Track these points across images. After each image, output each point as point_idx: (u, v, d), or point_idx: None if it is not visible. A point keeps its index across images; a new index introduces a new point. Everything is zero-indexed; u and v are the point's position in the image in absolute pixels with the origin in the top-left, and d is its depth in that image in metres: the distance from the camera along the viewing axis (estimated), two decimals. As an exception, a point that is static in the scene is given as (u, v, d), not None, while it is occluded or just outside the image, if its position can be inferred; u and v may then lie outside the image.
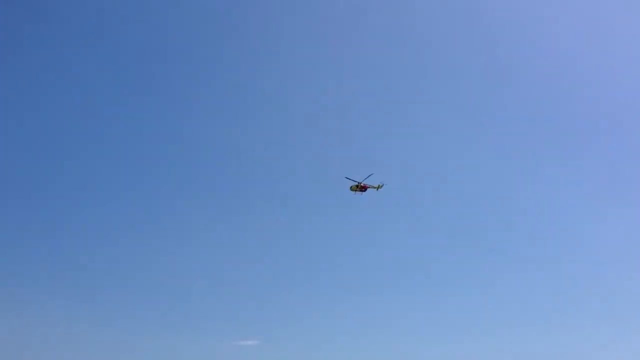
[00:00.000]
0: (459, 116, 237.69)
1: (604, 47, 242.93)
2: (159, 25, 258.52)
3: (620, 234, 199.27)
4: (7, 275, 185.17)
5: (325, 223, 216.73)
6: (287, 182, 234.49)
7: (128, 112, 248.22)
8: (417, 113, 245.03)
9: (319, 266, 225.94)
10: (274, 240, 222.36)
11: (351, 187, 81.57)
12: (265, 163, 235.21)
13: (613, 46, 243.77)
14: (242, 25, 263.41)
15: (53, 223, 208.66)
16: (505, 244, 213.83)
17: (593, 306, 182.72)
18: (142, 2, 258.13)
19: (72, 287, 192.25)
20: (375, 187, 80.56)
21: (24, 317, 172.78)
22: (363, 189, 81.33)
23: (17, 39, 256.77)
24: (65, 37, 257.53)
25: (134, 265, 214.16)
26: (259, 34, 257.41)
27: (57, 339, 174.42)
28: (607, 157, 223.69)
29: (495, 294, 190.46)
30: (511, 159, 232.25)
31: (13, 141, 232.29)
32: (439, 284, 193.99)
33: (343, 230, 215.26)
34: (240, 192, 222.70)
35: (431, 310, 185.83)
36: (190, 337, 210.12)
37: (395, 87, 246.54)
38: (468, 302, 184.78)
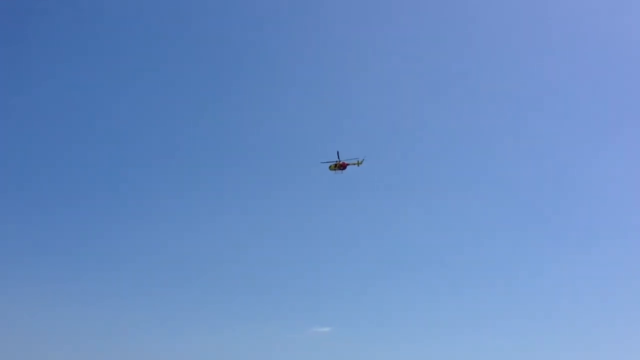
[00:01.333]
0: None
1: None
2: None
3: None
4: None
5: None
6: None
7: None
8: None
9: (393, 257, 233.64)
10: (351, 232, 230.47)
11: (330, 167, 79.75)
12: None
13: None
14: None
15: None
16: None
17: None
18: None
19: (164, 276, 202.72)
20: (355, 164, 78.90)
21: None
22: (343, 167, 79.32)
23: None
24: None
25: (216, 257, 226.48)
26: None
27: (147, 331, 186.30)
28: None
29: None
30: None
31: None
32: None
33: (416, 222, 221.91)
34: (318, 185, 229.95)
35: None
36: (269, 325, 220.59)
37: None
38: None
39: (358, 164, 79.63)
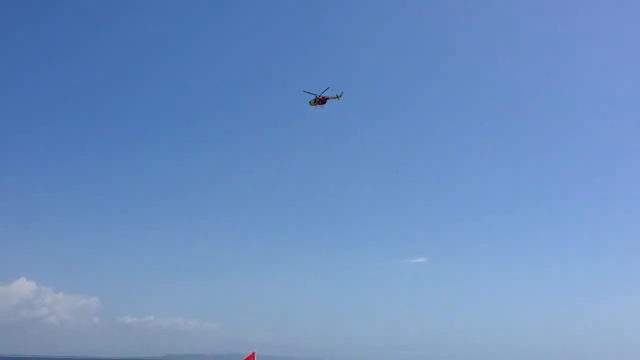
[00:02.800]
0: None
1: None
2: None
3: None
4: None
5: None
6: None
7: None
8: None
9: (487, 192, 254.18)
10: (445, 168, 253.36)
11: (310, 102, 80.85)
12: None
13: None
14: None
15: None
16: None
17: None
18: None
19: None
20: (334, 97, 78.78)
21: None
22: (322, 101, 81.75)
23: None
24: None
25: (323, 192, 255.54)
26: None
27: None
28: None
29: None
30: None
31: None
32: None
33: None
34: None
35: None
36: (366, 255, 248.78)
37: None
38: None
39: (337, 97, 79.67)
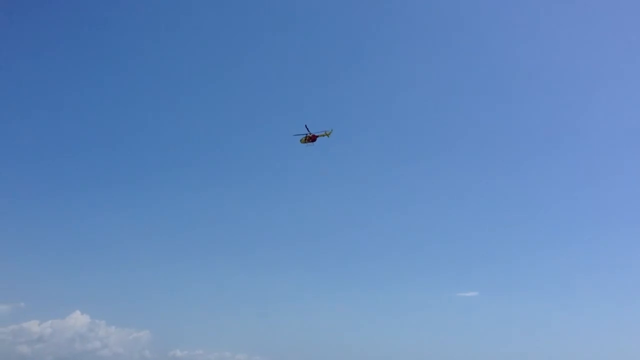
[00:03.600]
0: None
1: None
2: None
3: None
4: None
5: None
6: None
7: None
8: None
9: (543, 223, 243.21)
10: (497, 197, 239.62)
11: (301, 140, 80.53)
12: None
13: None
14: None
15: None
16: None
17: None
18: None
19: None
20: (324, 135, 79.79)
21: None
22: (313, 139, 79.74)
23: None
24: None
25: (372, 223, 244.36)
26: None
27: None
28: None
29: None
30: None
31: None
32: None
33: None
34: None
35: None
36: (416, 287, 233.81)
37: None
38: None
39: (327, 134, 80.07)
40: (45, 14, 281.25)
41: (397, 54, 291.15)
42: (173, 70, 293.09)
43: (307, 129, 79.97)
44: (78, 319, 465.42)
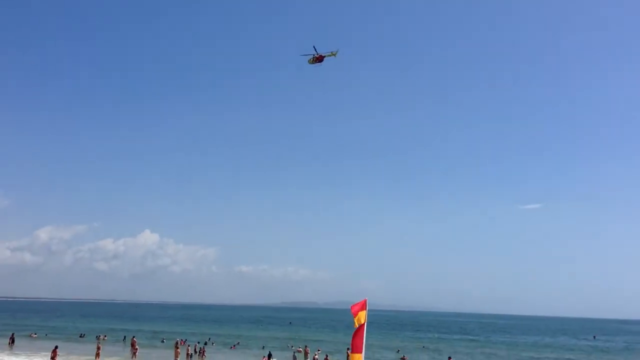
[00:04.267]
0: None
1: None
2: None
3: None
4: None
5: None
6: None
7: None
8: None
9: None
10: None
11: (309, 60, 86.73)
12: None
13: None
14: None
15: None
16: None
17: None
18: None
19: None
20: (330, 55, 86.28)
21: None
22: (320, 59, 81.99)
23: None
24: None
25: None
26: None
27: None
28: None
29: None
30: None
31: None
32: None
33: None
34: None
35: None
36: (481, 200, 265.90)
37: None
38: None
39: (333, 54, 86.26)
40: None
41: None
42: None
43: (315, 49, 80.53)
44: (148, 238, 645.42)
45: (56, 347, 55.83)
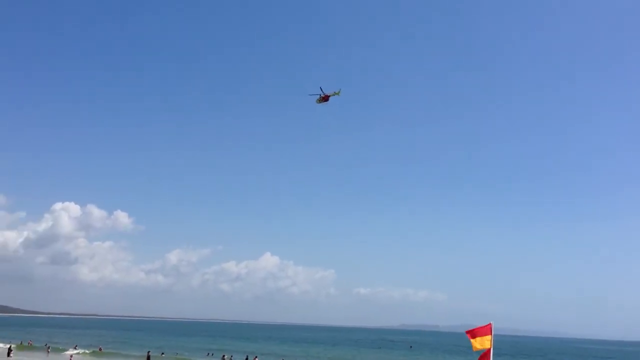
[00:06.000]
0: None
1: None
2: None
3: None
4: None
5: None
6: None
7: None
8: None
9: None
10: None
11: (317, 100, 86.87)
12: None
13: None
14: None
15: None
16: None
17: None
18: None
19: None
20: (335, 94, 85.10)
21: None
22: (326, 99, 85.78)
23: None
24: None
25: None
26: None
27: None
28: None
29: None
30: None
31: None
32: None
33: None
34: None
35: None
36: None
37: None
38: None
39: (337, 94, 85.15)
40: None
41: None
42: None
43: (322, 90, 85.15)
44: (269, 260, 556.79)
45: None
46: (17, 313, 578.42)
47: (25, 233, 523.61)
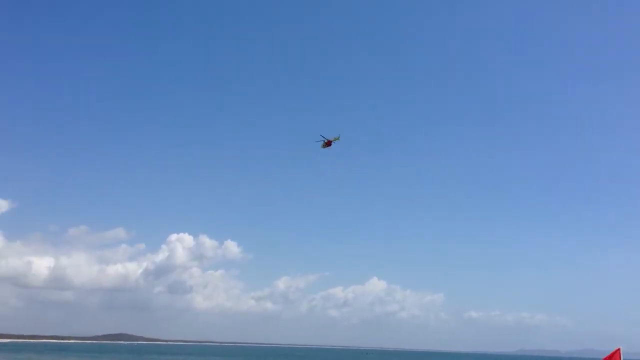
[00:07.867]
0: None
1: None
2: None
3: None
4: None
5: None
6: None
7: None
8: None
9: None
10: None
11: (322, 145, 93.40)
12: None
13: None
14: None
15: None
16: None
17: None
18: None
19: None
20: (336, 139, 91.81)
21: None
22: (329, 144, 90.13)
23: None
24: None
25: None
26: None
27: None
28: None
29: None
30: None
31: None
32: None
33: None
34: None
35: None
36: None
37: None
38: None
39: (337, 139, 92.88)
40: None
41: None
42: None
43: (323, 137, 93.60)
44: (376, 285, 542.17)
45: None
46: (139, 341, 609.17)
47: (144, 264, 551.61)
